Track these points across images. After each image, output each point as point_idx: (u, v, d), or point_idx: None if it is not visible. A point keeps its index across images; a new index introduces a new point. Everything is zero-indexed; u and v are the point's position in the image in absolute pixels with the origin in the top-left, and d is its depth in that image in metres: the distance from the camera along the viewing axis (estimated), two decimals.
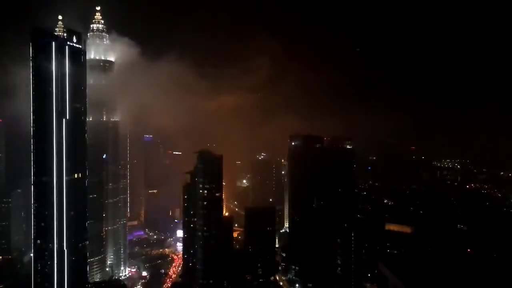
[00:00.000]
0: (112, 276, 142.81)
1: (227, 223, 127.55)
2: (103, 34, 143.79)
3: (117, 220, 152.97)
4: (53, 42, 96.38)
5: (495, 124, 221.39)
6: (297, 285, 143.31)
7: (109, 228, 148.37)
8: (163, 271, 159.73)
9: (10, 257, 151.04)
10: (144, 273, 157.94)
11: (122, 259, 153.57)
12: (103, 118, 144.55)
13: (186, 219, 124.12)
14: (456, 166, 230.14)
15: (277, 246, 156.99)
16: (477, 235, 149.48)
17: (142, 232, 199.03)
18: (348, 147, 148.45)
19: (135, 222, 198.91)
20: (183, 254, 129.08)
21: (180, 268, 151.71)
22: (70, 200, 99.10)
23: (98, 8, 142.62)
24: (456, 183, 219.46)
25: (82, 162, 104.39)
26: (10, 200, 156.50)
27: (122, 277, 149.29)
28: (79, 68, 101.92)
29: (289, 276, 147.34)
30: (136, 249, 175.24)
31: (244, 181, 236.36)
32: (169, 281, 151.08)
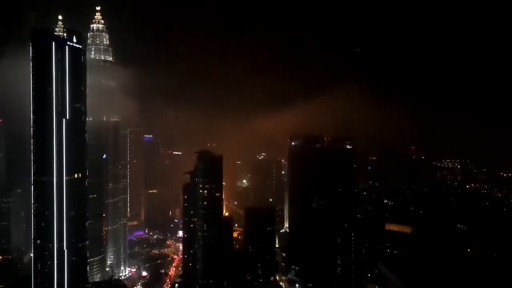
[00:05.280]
0: (112, 276, 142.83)
1: (227, 223, 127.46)
2: (103, 34, 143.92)
3: (117, 220, 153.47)
4: (53, 42, 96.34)
5: (495, 124, 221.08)
6: (297, 285, 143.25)
7: (109, 228, 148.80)
8: (163, 271, 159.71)
9: (10, 257, 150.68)
10: (144, 273, 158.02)
11: (122, 259, 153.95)
12: (103, 118, 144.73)
13: (186, 219, 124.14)
14: (456, 166, 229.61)
15: (277, 246, 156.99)
16: (477, 235, 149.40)
17: (142, 232, 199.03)
18: (348, 147, 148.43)
19: (135, 222, 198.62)
20: (183, 254, 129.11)
21: (180, 268, 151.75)
22: (70, 200, 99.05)
23: (98, 8, 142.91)
24: (456, 183, 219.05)
25: (82, 162, 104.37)
26: (10, 200, 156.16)
27: (122, 277, 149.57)
28: (79, 68, 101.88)
29: (289, 276, 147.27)
30: (136, 249, 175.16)
31: (244, 181, 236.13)
32: (169, 281, 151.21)
